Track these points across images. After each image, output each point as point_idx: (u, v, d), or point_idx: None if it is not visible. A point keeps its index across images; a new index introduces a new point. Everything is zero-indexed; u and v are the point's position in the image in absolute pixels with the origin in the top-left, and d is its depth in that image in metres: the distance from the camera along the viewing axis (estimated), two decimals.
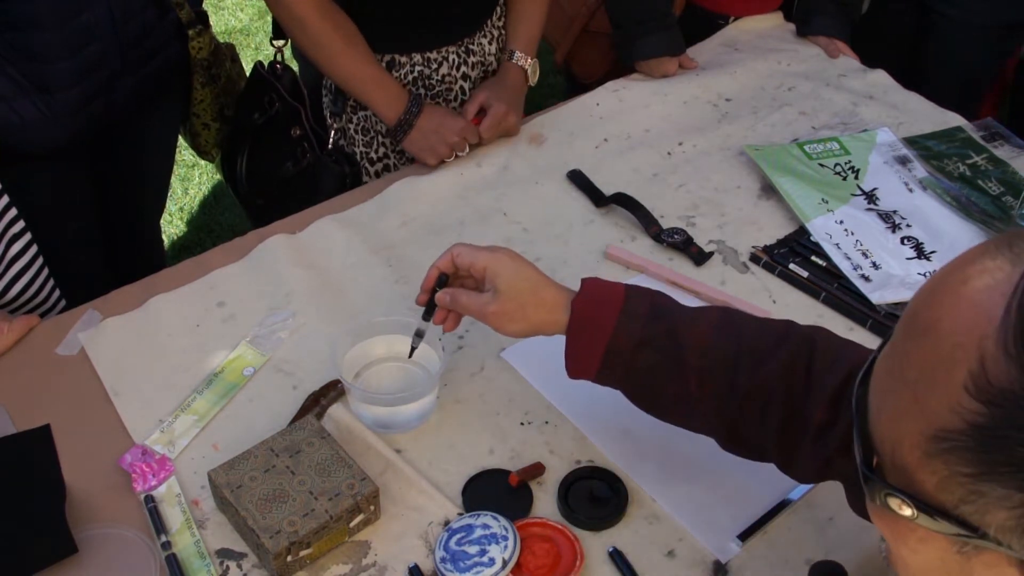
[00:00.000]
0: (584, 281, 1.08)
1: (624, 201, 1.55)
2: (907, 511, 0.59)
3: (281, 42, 1.84)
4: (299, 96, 1.81)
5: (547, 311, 1.08)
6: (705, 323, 1.03)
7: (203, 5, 1.83)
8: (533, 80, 1.79)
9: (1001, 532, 0.55)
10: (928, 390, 0.56)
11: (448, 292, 1.13)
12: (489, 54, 1.79)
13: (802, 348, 0.99)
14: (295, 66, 1.93)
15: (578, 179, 1.62)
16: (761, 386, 0.99)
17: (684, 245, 1.48)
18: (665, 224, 1.52)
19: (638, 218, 1.53)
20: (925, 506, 0.57)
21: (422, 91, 1.72)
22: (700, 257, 1.47)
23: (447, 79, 1.75)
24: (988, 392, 0.53)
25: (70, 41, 1.49)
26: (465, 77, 1.77)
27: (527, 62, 1.76)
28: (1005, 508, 0.54)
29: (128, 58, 1.60)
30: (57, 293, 1.49)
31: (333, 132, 1.76)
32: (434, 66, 1.72)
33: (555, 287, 1.10)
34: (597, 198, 1.58)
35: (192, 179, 3.11)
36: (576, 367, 1.08)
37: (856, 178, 1.63)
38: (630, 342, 1.03)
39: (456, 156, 1.64)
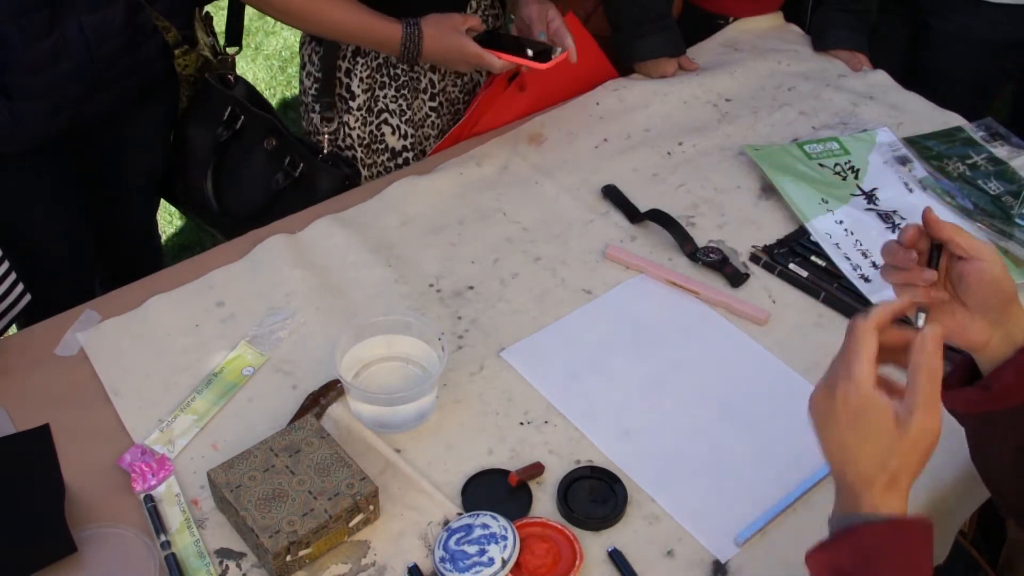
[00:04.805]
0: None
1: (660, 218, 1.51)
2: None
3: (235, 49, 1.76)
4: (260, 106, 1.73)
5: None
6: None
7: (204, 9, 1.78)
8: None
9: None
10: None
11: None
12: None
13: None
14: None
15: (613, 195, 1.58)
16: None
17: (720, 265, 1.45)
18: (699, 243, 1.49)
19: (673, 236, 1.49)
20: None
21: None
22: (736, 278, 1.43)
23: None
24: None
25: (37, 61, 1.45)
26: None
27: None
28: None
29: (103, 76, 1.54)
30: (20, 288, 1.39)
31: (327, 137, 1.72)
32: None
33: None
34: (632, 214, 1.55)
35: None
36: None
37: (856, 178, 1.63)
38: None
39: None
